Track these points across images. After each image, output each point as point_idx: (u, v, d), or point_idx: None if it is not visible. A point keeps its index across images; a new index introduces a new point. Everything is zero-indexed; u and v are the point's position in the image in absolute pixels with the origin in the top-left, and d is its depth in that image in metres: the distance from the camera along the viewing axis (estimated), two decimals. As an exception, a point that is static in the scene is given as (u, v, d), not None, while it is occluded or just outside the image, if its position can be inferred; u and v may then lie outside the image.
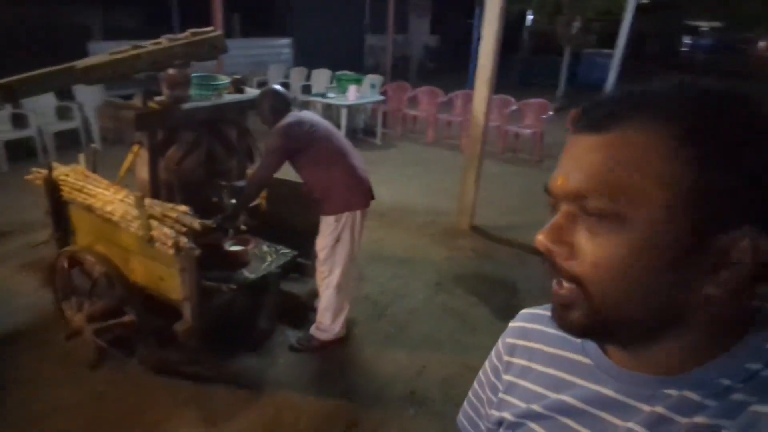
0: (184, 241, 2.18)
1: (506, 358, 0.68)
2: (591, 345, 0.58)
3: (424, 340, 3.03)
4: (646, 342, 0.50)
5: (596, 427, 0.53)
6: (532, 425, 0.59)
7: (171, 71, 2.59)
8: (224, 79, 2.97)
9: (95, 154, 2.99)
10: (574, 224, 0.49)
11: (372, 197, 2.81)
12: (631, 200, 0.45)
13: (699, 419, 0.47)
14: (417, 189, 5.66)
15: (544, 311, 0.66)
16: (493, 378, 0.70)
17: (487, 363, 0.73)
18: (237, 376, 2.66)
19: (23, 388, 2.52)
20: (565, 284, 0.50)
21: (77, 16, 8.64)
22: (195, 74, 2.80)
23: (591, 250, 0.47)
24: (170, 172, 2.71)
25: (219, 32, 2.77)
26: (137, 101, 2.51)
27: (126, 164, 2.72)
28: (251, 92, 3.22)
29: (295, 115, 2.71)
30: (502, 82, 10.35)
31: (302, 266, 3.37)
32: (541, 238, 0.50)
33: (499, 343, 0.71)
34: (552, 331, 0.63)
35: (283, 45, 12.89)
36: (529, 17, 14.22)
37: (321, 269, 2.82)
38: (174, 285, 2.42)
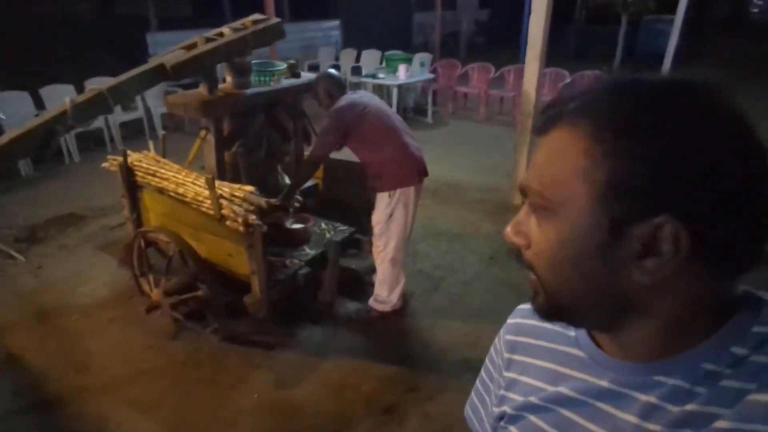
0: (252, 218, 2.34)
1: (506, 355, 0.69)
2: (584, 338, 0.59)
3: (478, 312, 3.10)
4: (613, 328, 0.52)
5: (591, 416, 0.55)
6: (532, 417, 0.61)
7: (235, 59, 2.74)
8: (281, 65, 3.10)
9: (164, 141, 3.22)
10: (529, 218, 0.53)
11: (425, 174, 2.88)
12: (557, 193, 0.48)
13: (690, 407, 0.48)
14: (469, 166, 5.66)
15: None
16: (495, 374, 0.72)
17: (487, 359, 0.75)
18: (303, 344, 2.84)
19: (109, 354, 2.81)
20: (529, 272, 0.54)
21: (132, 7, 9.05)
22: (254, 61, 2.95)
23: (535, 240, 0.52)
24: (235, 155, 2.88)
25: (278, 20, 2.89)
26: (203, 89, 2.68)
27: (194, 149, 2.92)
28: (306, 76, 3.35)
29: (349, 97, 2.81)
30: (556, 55, 10.03)
31: (360, 242, 3.51)
32: (507, 230, 0.55)
33: (497, 340, 0.73)
34: (548, 325, 0.64)
35: (331, 27, 13.02)
36: (584, -16, 13.57)
37: (377, 243, 2.93)
38: (242, 261, 2.61)
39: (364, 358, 2.73)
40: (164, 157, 3.06)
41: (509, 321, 0.72)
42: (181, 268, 2.92)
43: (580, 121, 0.48)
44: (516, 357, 0.67)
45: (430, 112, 7.54)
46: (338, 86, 2.86)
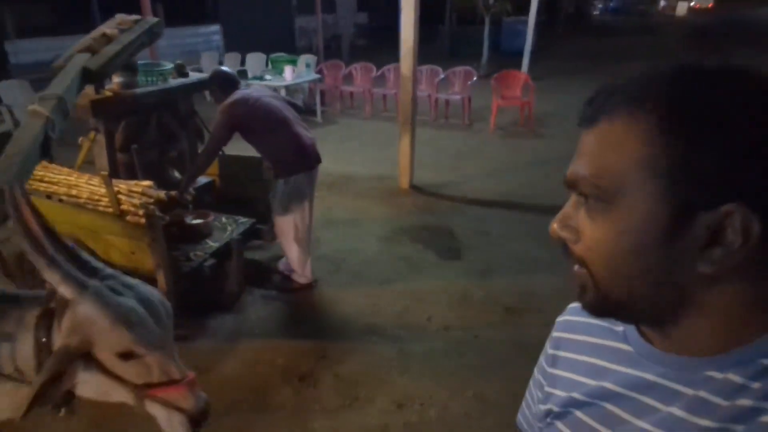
0: (153, 208, 2.42)
1: (551, 351, 0.69)
2: (632, 333, 0.58)
3: (377, 284, 3.42)
4: (666, 322, 0.51)
5: (636, 410, 0.54)
6: (578, 413, 0.60)
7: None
8: (168, 65, 3.17)
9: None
10: (578, 211, 0.52)
11: (318, 161, 3.14)
12: (615, 183, 0.47)
13: (742, 401, 0.46)
14: (360, 160, 6.00)
15: None
16: (539, 376, 0.72)
17: (537, 366, 0.74)
18: (215, 332, 2.95)
19: None
20: (576, 267, 0.53)
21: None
22: (140, 62, 2.99)
23: (588, 233, 0.50)
24: (129, 154, 2.90)
25: (156, 18, 2.96)
26: (89, 90, 2.68)
27: (83, 151, 2.89)
28: (195, 76, 3.43)
29: (240, 92, 2.98)
30: (431, 54, 10.72)
31: (262, 231, 3.66)
32: (553, 226, 0.54)
33: (547, 342, 0.72)
34: (596, 321, 0.63)
35: (212, 32, 12.73)
36: (452, -11, 14.67)
37: (281, 227, 3.14)
38: (145, 257, 2.65)
39: (275, 337, 2.91)
40: (51, 162, 2.98)
41: (559, 319, 0.72)
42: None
43: (638, 110, 0.47)
44: (561, 353, 0.67)
45: (319, 112, 7.78)
46: (230, 82, 3.02)
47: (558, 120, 7.50)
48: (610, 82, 0.52)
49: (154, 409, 1.13)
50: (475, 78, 7.33)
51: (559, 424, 0.63)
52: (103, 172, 2.46)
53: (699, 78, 0.46)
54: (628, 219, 0.47)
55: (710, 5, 33.55)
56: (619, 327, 0.60)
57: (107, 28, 2.80)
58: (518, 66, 9.53)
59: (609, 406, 0.57)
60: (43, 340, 1.10)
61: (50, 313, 1.11)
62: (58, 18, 9.64)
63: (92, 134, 2.79)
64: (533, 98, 6.99)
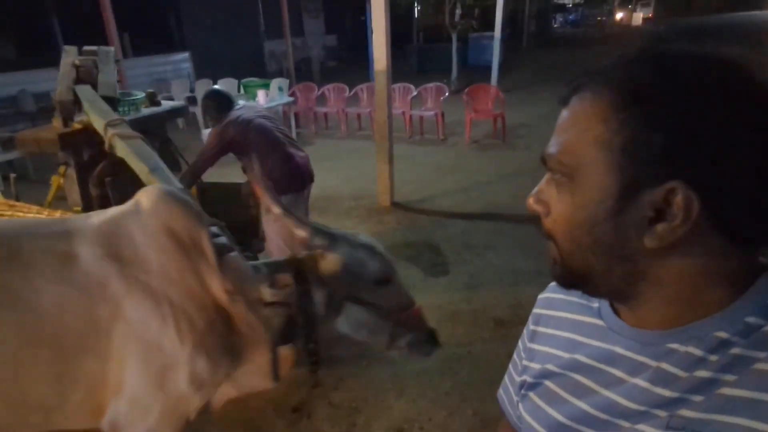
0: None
1: (531, 327, 0.72)
2: (606, 309, 0.61)
3: (366, 305, 3.36)
4: (628, 297, 0.54)
5: (604, 381, 0.56)
6: (547, 383, 0.63)
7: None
8: (139, 94, 3.09)
9: (15, 183, 3.01)
10: (550, 186, 0.55)
11: (311, 179, 3.21)
12: (574, 159, 0.51)
13: (701, 373, 0.49)
14: (338, 179, 5.96)
15: None
16: (521, 351, 0.75)
17: (519, 341, 0.77)
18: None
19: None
20: (549, 241, 0.56)
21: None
22: (109, 92, 2.90)
23: (554, 206, 0.54)
24: (101, 188, 2.80)
25: (111, 48, 2.87)
26: (57, 122, 2.59)
27: (54, 187, 2.78)
28: (167, 104, 3.36)
29: (234, 113, 3.03)
30: (401, 72, 10.81)
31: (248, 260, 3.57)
32: (529, 200, 0.57)
33: (531, 315, 0.75)
34: (573, 298, 0.66)
35: (181, 60, 12.64)
36: (417, 9, 14.93)
37: (270, 248, 3.10)
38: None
39: (265, 367, 2.81)
40: (18, 200, 2.86)
41: (540, 296, 0.75)
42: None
43: (600, 89, 0.50)
44: (540, 329, 0.70)
45: (294, 134, 7.74)
46: (226, 101, 3.09)
47: (530, 130, 7.63)
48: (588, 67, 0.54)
49: (402, 338, 1.38)
50: (447, 93, 7.41)
51: (532, 395, 0.65)
52: (75, 207, 2.36)
53: (654, 61, 0.49)
54: (584, 193, 0.50)
55: (650, 15, 34.52)
56: (595, 303, 0.63)
57: (74, 59, 2.72)
58: (487, 79, 9.71)
59: (578, 377, 0.59)
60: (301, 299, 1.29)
61: (301, 272, 1.31)
62: (21, 52, 9.44)
63: (62, 169, 2.69)
64: (504, 111, 7.09)
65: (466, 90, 7.21)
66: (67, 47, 2.68)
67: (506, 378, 0.80)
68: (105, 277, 1.16)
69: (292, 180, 3.06)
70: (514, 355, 0.78)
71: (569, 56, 16.80)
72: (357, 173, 6.06)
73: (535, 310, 0.74)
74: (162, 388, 1.20)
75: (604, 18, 30.17)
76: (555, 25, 28.87)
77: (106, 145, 2.07)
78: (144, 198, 1.28)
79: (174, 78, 10.69)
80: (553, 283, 0.73)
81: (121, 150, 2.04)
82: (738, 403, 0.46)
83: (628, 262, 0.51)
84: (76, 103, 2.46)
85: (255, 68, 12.15)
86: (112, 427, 1.22)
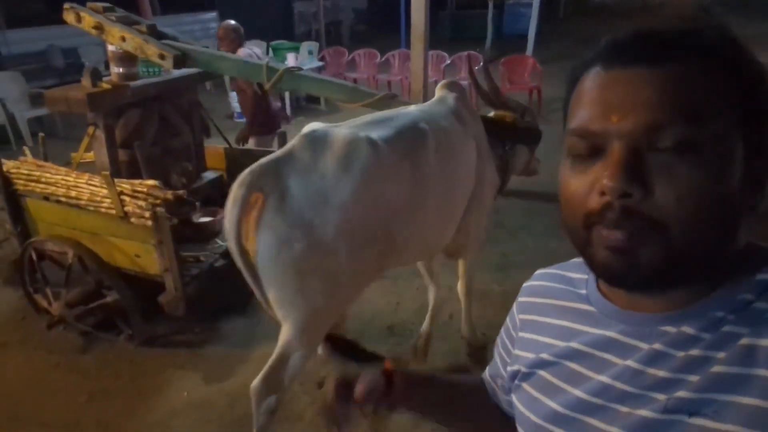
0: (160, 210, 2.27)
1: (520, 316, 0.70)
2: (594, 293, 0.60)
3: (396, 279, 3.27)
4: (693, 281, 0.51)
5: (597, 366, 0.55)
6: (542, 372, 0.62)
7: (114, 48, 2.59)
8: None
9: (44, 143, 2.96)
10: (642, 162, 0.47)
11: (278, 128, 3.81)
12: (704, 128, 0.45)
13: (693, 352, 0.48)
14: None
15: (555, 270, 0.70)
16: (506, 339, 0.74)
17: (504, 325, 0.76)
18: (229, 337, 2.80)
19: (10, 382, 2.56)
20: (634, 229, 0.47)
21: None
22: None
23: (672, 185, 0.46)
24: (135, 149, 2.73)
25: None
26: (86, 81, 2.51)
27: (83, 147, 2.72)
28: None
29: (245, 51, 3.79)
30: (433, 38, 10.43)
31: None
32: (612, 183, 0.47)
33: (514, 305, 0.73)
34: (560, 285, 0.66)
35: (209, 19, 12.44)
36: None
37: None
38: (151, 260, 2.51)
39: (291, 340, 2.77)
40: (46, 161, 2.82)
41: (525, 284, 0.73)
42: (83, 277, 2.73)
43: (713, 57, 0.47)
44: (529, 317, 0.68)
45: (323, 100, 7.57)
46: (240, 35, 3.95)
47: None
48: (645, 25, 0.50)
49: None
50: (481, 63, 7.11)
51: (525, 385, 0.63)
52: (104, 172, 2.30)
53: (719, 29, 0.49)
54: (715, 165, 0.46)
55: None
56: (582, 290, 0.62)
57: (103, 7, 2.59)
58: (522, 49, 9.30)
59: (572, 365, 0.58)
60: None
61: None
62: (50, 6, 9.37)
63: (91, 129, 2.62)
64: (542, 83, 6.78)
65: (502, 60, 6.90)
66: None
67: (495, 360, 0.78)
68: (465, 135, 2.01)
69: (265, 125, 3.86)
70: (499, 341, 0.76)
71: (608, 27, 16.01)
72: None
73: (521, 299, 0.72)
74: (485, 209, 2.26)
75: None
76: (594, -6, 27.53)
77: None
78: (446, 94, 2.19)
79: (202, 38, 10.52)
80: (539, 272, 0.72)
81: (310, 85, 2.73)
82: (731, 380, 0.45)
83: (734, 235, 0.49)
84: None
85: (284, 30, 11.90)
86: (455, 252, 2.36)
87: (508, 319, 0.74)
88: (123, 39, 2.46)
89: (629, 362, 0.52)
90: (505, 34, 12.62)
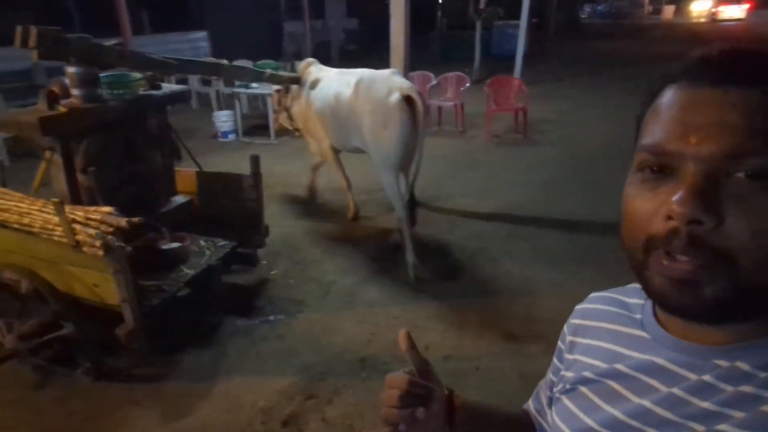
0: (111, 239, 2.15)
1: (569, 338, 0.69)
2: (649, 319, 0.58)
3: (371, 307, 3.16)
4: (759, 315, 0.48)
5: (637, 389, 0.54)
6: (582, 389, 0.61)
7: (72, 69, 2.49)
8: (136, 76, 2.89)
9: (2, 169, 2.86)
10: (716, 189, 0.44)
11: None
12: None
13: (745, 388, 0.46)
14: (351, 170, 5.71)
15: (611, 293, 0.68)
16: (557, 362, 0.72)
17: (555, 352, 0.74)
18: (190, 370, 2.66)
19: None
20: (699, 259, 0.45)
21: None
22: (105, 74, 2.71)
23: (748, 216, 0.43)
24: (90, 175, 2.63)
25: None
26: (42, 104, 2.41)
27: (40, 173, 2.61)
28: (168, 87, 3.16)
29: None
30: (423, 59, 10.48)
31: (246, 256, 3.39)
32: (682, 209, 0.44)
33: (565, 326, 0.72)
34: (614, 309, 0.64)
35: (199, 38, 12.45)
36: (441, -6, 14.50)
37: None
38: (109, 289, 2.38)
39: (258, 375, 2.63)
40: (5, 186, 2.71)
41: (577, 307, 0.72)
42: (37, 308, 2.59)
43: None
44: (578, 339, 0.67)
45: (272, 131, 7.49)
46: None
47: (553, 125, 7.30)
48: (740, 45, 0.47)
49: None
50: (467, 84, 7.11)
51: (565, 399, 0.63)
52: (54, 200, 2.19)
53: None
54: None
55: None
56: (637, 315, 0.60)
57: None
58: (510, 70, 9.34)
59: (614, 384, 0.57)
60: None
61: None
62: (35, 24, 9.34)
63: (48, 154, 2.52)
64: (527, 104, 6.76)
65: (488, 81, 6.89)
66: None
67: (541, 387, 0.78)
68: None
69: None
70: (549, 372, 0.75)
71: (598, 49, 16.24)
72: (372, 163, 5.83)
73: (573, 321, 0.70)
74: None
75: (633, 10, 29.15)
76: (583, 16, 27.98)
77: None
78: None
79: (191, 56, 10.51)
80: (593, 295, 0.70)
81: None
82: None
83: None
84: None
85: (272, 49, 11.93)
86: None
87: (559, 342, 0.73)
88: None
89: (674, 390, 0.50)
90: (494, 55, 12.72)
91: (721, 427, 0.46)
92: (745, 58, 0.46)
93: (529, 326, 2.91)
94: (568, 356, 0.68)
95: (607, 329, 0.63)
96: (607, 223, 4.22)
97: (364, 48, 15.52)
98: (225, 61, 3.68)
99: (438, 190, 5.04)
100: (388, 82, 3.41)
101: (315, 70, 4.01)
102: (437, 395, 0.67)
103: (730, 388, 0.47)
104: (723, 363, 0.48)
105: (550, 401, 0.70)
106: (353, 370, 2.63)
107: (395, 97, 3.32)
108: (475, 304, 3.16)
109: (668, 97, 0.49)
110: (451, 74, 7.23)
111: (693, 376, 0.50)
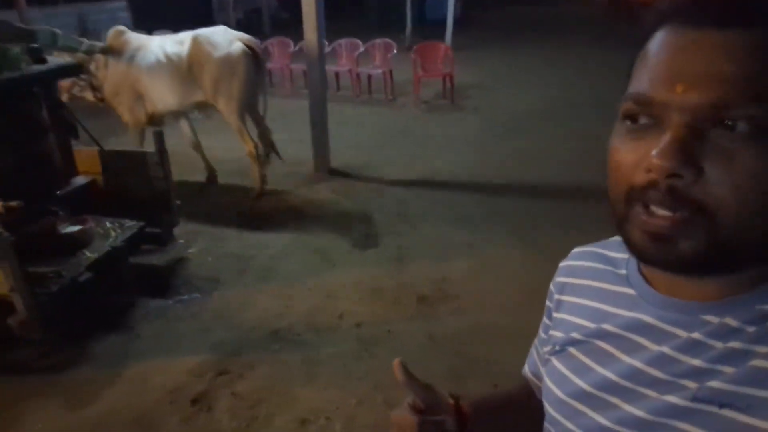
0: (-12, 227, 2.04)
1: (556, 296, 0.68)
2: (635, 276, 0.57)
3: (288, 281, 3.16)
4: (733, 271, 0.47)
5: (627, 349, 0.54)
6: (571, 350, 0.60)
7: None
8: (13, 49, 2.68)
9: None
10: (700, 141, 0.42)
11: None
12: None
13: (734, 344, 0.46)
14: (279, 142, 5.60)
15: (594, 248, 0.67)
16: (546, 320, 0.72)
17: (545, 311, 0.73)
18: (98, 357, 2.59)
19: None
20: (678, 212, 0.43)
21: None
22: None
23: (732, 170, 0.41)
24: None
25: None
26: None
27: None
28: (54, 61, 2.96)
29: None
30: (359, 26, 10.28)
31: (157, 236, 3.30)
32: (661, 162, 0.42)
33: (551, 284, 0.71)
34: (599, 266, 0.63)
35: (117, 8, 11.63)
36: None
37: None
38: (-1, 279, 2.27)
39: (170, 356, 2.60)
40: None
41: (561, 264, 0.70)
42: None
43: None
44: (565, 298, 0.66)
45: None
46: None
47: (480, 91, 7.39)
48: None
49: None
50: (395, 51, 7.05)
51: (554, 360, 0.63)
52: None
53: None
54: None
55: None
56: (622, 270, 0.59)
57: None
58: (443, 36, 9.32)
59: (603, 344, 0.56)
60: None
61: None
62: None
63: None
64: (454, 70, 6.80)
65: (414, 48, 6.86)
66: None
67: (532, 351, 0.78)
68: None
69: None
70: (540, 331, 0.74)
71: (533, 13, 16.39)
72: (298, 136, 5.71)
73: (558, 279, 0.69)
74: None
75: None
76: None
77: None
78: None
79: (109, 28, 9.84)
80: (576, 250, 0.69)
81: None
82: None
83: None
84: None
85: (201, 18, 11.31)
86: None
87: (547, 301, 0.71)
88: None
89: (664, 348, 0.50)
90: (429, 21, 12.62)
91: (712, 383, 0.46)
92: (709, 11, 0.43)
93: (441, 287, 3.01)
94: (555, 315, 0.67)
95: (593, 287, 0.62)
96: (521, 184, 4.39)
97: (297, 16, 15.01)
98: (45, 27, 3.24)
99: (366, 160, 5.04)
100: (226, 35, 3.86)
101: (134, 37, 4.00)
102: (449, 424, 0.66)
103: (719, 345, 0.47)
104: (712, 319, 0.48)
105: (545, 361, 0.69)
106: (265, 343, 2.65)
107: (237, 45, 3.81)
108: (391, 271, 3.22)
109: (657, 41, 0.46)
110: (378, 41, 7.15)
111: (683, 334, 0.49)
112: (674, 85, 0.42)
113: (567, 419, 0.58)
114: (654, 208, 0.45)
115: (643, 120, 0.46)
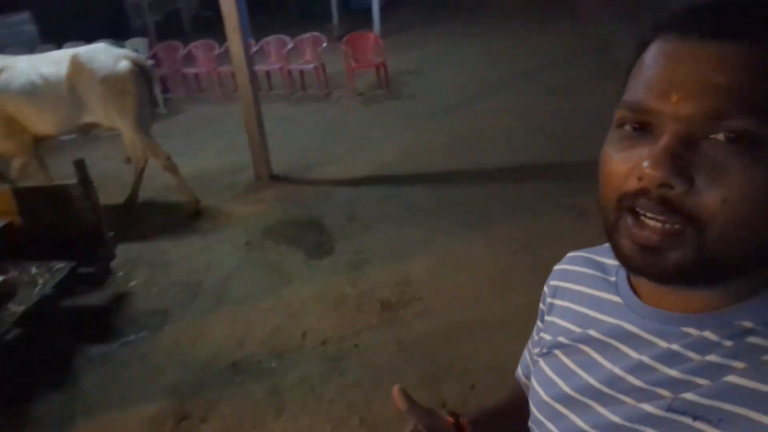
0: None
1: (549, 300, 0.69)
2: (623, 284, 0.58)
3: (241, 305, 2.99)
4: (717, 283, 0.47)
5: (609, 355, 0.55)
6: (557, 352, 0.62)
7: None
8: None
9: None
10: (693, 151, 0.42)
11: None
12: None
13: (711, 357, 0.47)
14: (213, 151, 5.37)
15: (587, 254, 0.67)
16: (539, 322, 0.72)
17: (538, 315, 0.74)
18: (39, 419, 2.35)
19: None
20: (668, 223, 0.43)
21: None
22: None
23: (722, 182, 0.41)
24: None
25: None
26: None
27: None
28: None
29: None
30: (280, 21, 9.96)
31: (89, 276, 3.03)
32: (653, 172, 0.42)
33: (545, 286, 0.72)
34: (590, 272, 0.64)
35: (20, 21, 10.70)
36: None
37: None
38: None
39: (120, 408, 2.38)
40: None
41: (556, 267, 0.71)
42: None
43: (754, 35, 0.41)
44: (556, 302, 0.67)
45: (161, 101, 6.86)
46: None
47: (414, 77, 7.31)
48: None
49: None
50: (324, 43, 6.85)
51: (542, 362, 0.64)
52: None
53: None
54: None
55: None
56: (612, 277, 0.60)
57: None
58: (371, 24, 9.17)
59: (586, 349, 0.58)
60: None
61: None
62: None
63: None
64: (386, 58, 6.68)
65: (344, 39, 6.68)
66: None
67: (525, 353, 0.79)
68: None
69: None
70: (534, 333, 0.75)
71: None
72: (235, 143, 5.44)
73: (552, 282, 0.70)
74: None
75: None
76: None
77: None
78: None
79: (13, 44, 9.02)
80: (571, 254, 0.70)
81: None
82: (742, 392, 0.44)
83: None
84: None
85: (116, 26, 10.60)
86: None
87: (540, 303, 0.72)
88: None
89: (644, 357, 0.51)
90: (353, 9, 12.37)
91: (687, 395, 0.47)
92: (738, 8, 0.43)
93: (403, 290, 2.93)
94: (547, 318, 0.68)
95: (583, 293, 0.63)
96: (467, 169, 4.37)
97: (221, 14, 14.37)
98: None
99: (308, 161, 4.87)
100: (111, 52, 3.64)
101: None
102: None
103: (697, 357, 0.48)
104: (692, 331, 0.49)
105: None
106: (226, 377, 2.48)
107: (124, 64, 3.58)
108: (350, 278, 3.11)
109: (653, 51, 0.46)
110: (306, 35, 6.92)
111: (662, 344, 0.50)
112: (669, 95, 0.43)
113: (549, 421, 0.59)
114: (644, 218, 0.45)
115: (636, 128, 0.46)
